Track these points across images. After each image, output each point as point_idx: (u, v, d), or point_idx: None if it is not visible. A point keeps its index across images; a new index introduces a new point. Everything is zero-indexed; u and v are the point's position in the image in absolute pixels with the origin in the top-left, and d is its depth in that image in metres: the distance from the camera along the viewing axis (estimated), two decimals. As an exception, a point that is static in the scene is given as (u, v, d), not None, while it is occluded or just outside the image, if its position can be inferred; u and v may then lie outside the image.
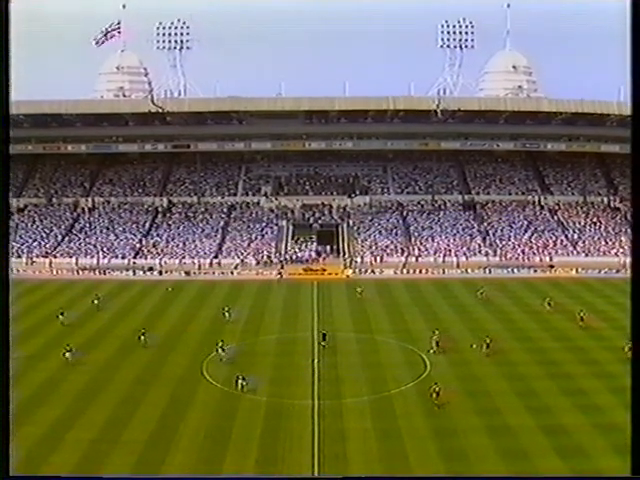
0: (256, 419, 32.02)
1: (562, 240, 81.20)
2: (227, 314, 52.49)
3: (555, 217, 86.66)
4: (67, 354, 40.11)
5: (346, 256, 78.53)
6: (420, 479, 21.94)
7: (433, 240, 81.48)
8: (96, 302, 55.24)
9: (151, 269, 75.08)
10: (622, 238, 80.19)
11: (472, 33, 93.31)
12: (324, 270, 74.29)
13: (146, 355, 42.68)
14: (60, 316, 49.55)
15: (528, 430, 30.44)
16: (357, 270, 74.28)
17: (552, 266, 74.83)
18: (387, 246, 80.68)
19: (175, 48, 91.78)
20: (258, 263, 77.08)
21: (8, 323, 9.83)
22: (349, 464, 27.20)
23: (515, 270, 74.07)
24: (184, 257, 78.14)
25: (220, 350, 41.35)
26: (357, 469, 26.82)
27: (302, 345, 44.49)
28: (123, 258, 77.89)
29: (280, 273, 73.58)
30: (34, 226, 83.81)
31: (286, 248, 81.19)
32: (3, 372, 9.72)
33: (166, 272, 74.27)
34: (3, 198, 9.70)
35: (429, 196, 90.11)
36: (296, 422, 31.62)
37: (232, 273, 74.26)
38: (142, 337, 44.12)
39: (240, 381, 36.51)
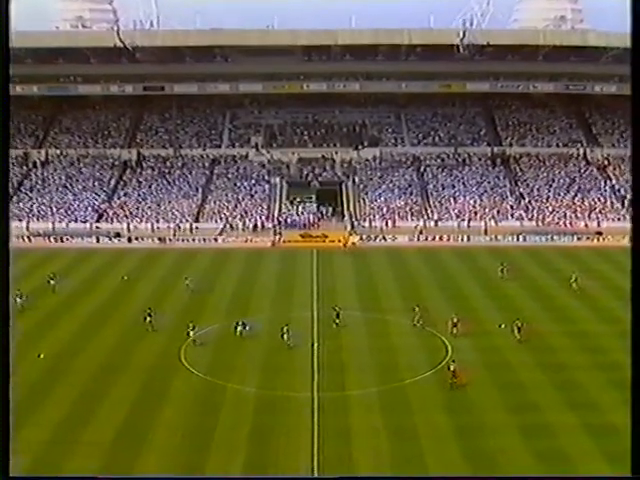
0: (244, 415, 31.87)
1: (612, 202, 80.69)
2: (188, 284, 53.08)
3: (604, 174, 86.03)
4: None
5: (351, 220, 78.22)
6: (421, 479, 22.62)
7: (456, 201, 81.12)
8: (52, 282, 54.07)
9: (118, 235, 74.79)
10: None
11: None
12: (325, 236, 74.03)
13: (112, 339, 42.49)
14: (18, 299, 48.29)
15: (570, 430, 30.26)
16: (364, 236, 74.03)
17: (600, 233, 74.39)
18: (401, 208, 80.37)
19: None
20: (246, 228, 76.85)
21: (8, 322, 10.96)
22: (355, 468, 27.10)
23: (554, 237, 73.76)
24: (158, 221, 77.88)
25: (191, 332, 41.60)
26: (364, 474, 26.73)
27: (299, 326, 44.19)
28: (84, 222, 77.56)
29: (274, 239, 73.31)
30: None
31: (280, 210, 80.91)
32: (3, 372, 10.84)
33: (136, 239, 73.95)
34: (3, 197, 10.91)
35: (451, 148, 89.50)
36: (292, 418, 31.50)
37: (215, 240, 74.00)
38: (148, 318, 43.57)
39: (239, 327, 41.78)
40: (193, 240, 74.06)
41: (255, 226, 76.79)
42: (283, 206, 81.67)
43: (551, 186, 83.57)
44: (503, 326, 43.04)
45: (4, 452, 10.53)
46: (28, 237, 73.95)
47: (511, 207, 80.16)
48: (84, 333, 43.73)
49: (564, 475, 26.06)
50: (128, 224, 77.00)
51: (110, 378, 36.32)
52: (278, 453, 28.39)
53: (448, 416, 31.67)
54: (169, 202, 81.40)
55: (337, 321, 44.19)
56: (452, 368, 34.56)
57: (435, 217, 78.57)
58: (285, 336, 40.66)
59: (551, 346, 41.09)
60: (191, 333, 41.53)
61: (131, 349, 40.82)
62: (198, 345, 40.81)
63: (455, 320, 42.54)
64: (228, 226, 76.72)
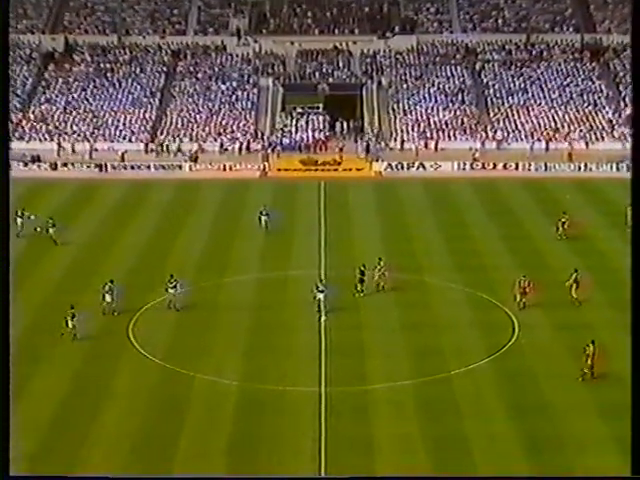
0: (221, 418, 32.04)
1: None
2: (29, 218, 52.25)
3: None
4: None
5: (376, 139, 77.90)
6: (426, 479, 24.32)
7: (528, 112, 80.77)
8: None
9: (37, 160, 74.41)
10: None
11: None
12: (337, 163, 73.74)
13: (30, 310, 42.48)
14: None
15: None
16: (394, 163, 73.72)
17: None
18: (447, 123, 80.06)
19: None
20: (225, 150, 76.55)
21: (8, 320, 13.59)
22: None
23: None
24: (96, 139, 77.70)
25: (168, 288, 41.82)
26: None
27: (300, 291, 44.22)
28: (-10, 141, 77.25)
29: (263, 167, 73.12)
30: None
31: (272, 125, 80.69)
32: (3, 370, 13.47)
33: (64, 165, 73.77)
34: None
35: (521, 36, 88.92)
36: (290, 423, 31.65)
37: (180, 167, 73.86)
38: (170, 285, 42.57)
39: (264, 217, 53.11)
40: (148, 167, 73.85)
41: (239, 147, 76.62)
42: (277, 119, 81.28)
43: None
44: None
45: (4, 452, 13.02)
46: None
47: (609, 122, 79.40)
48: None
49: (565, 475, 27.63)
50: (56, 143, 76.80)
51: (29, 366, 36.34)
52: (270, 471, 28.41)
53: (513, 422, 31.67)
54: (112, 112, 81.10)
55: (360, 287, 43.96)
56: (588, 352, 34.26)
57: (498, 136, 78.09)
58: (320, 296, 40.82)
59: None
60: (170, 289, 41.78)
61: (55, 321, 40.69)
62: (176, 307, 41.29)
63: (525, 283, 42.30)
64: (198, 147, 76.35)
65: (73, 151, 76.60)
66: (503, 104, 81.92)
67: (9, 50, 14.31)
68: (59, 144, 76.82)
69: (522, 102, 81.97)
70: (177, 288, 42.31)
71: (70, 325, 38.71)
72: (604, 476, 26.35)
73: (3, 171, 13.57)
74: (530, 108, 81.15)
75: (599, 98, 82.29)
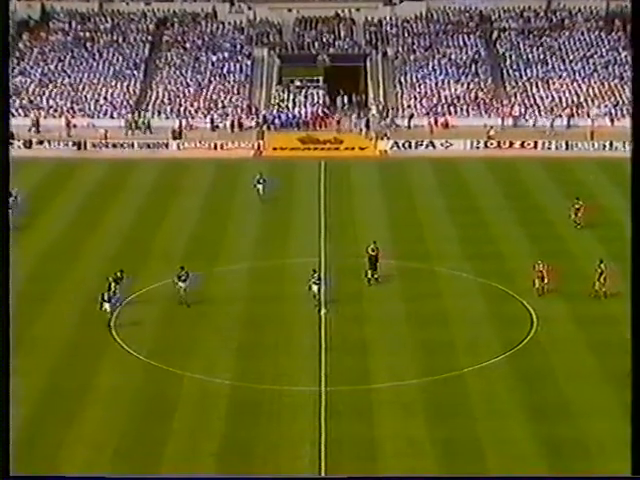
0: (212, 420, 32.09)
1: None
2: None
3: None
4: None
5: (381, 116, 77.87)
6: (424, 479, 24.95)
7: (547, 86, 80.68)
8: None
9: (11, 137, 74.17)
10: None
11: None
12: (339, 141, 73.64)
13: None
14: None
15: None
16: (401, 142, 73.61)
17: None
18: (459, 97, 79.99)
19: None
20: (216, 127, 76.59)
21: (8, 318, 14.13)
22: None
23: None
24: (74, 115, 77.66)
25: (178, 281, 41.47)
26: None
27: (298, 282, 44.12)
28: (-41, 117, 77.20)
29: (257, 145, 73.17)
30: None
31: (268, 99, 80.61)
32: (3, 371, 13.91)
33: (40, 143, 73.63)
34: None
35: (541, 2, 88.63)
36: (287, 425, 31.71)
37: (166, 146, 73.85)
38: (180, 278, 42.32)
39: (259, 185, 56.13)
40: (131, 146, 73.71)
41: (231, 124, 76.66)
42: (273, 93, 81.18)
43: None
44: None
45: (4, 452, 13.67)
46: None
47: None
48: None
49: (563, 475, 28.20)
50: (32, 119, 76.52)
51: None
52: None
53: (530, 424, 31.75)
54: (92, 85, 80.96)
55: (374, 275, 43.84)
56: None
57: (515, 112, 78.01)
58: (315, 288, 40.77)
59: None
60: (178, 281, 41.41)
61: (32, 317, 40.66)
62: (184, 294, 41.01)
63: (540, 267, 42.29)
64: (185, 124, 76.27)
65: (37, 125, 76.07)
66: (521, 77, 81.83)
67: (9, 37, 14.53)
68: (37, 120, 76.41)
69: (541, 75, 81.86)
70: (188, 281, 41.72)
71: (107, 309, 39.28)
72: (604, 476, 27.06)
73: (3, 165, 13.75)
74: (550, 81, 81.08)
75: (625, 71, 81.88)
